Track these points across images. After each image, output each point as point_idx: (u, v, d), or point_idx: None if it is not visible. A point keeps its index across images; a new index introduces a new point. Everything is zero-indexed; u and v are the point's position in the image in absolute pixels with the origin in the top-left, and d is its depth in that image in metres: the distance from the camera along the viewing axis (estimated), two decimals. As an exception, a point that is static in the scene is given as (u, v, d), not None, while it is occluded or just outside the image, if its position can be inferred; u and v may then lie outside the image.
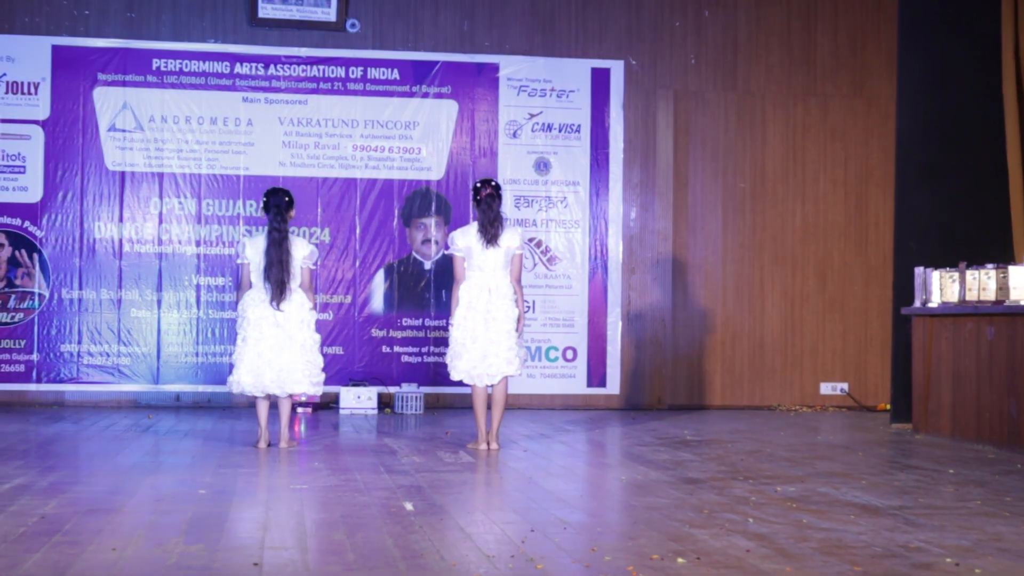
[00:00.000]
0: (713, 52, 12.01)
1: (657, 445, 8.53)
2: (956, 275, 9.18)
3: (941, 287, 9.30)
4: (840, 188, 12.15)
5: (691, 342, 11.88)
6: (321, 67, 11.41)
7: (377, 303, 11.46)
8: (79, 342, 11.04)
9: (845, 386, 12.05)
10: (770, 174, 12.05)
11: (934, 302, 9.36)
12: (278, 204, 8.05)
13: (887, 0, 11.98)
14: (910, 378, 9.81)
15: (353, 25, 11.48)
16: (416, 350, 11.46)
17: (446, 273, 11.27)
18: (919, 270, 9.59)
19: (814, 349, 12.06)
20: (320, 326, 9.82)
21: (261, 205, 8.22)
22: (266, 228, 8.06)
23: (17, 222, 11.00)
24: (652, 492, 6.23)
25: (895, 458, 8.05)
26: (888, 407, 10.93)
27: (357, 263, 11.43)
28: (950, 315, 9.16)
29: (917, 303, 9.58)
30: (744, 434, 9.40)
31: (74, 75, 11.11)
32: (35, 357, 10.98)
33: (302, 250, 8.08)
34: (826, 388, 12.05)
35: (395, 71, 11.51)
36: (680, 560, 4.50)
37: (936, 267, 9.46)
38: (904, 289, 9.96)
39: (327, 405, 11.11)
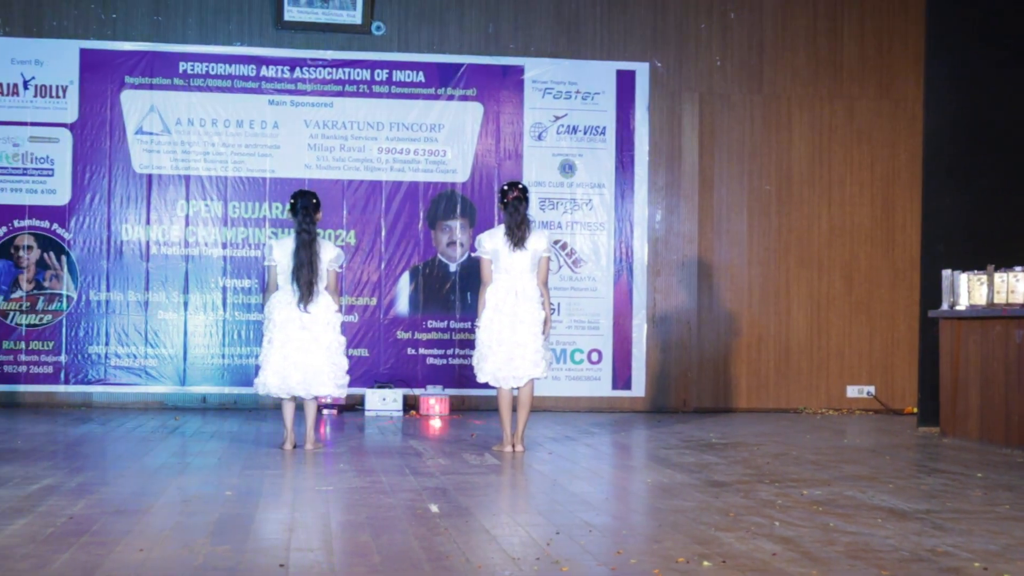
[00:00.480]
0: (739, 54, 11.98)
1: (682, 448, 8.51)
2: (984, 277, 9.12)
3: (969, 290, 9.25)
4: (867, 190, 12.10)
5: (716, 345, 11.85)
6: (347, 70, 11.44)
7: (402, 305, 11.48)
8: (107, 344, 11.10)
9: (872, 389, 12.00)
10: (796, 176, 12.01)
11: (962, 305, 9.31)
12: (306, 206, 8.07)
13: (913, 1, 11.93)
14: (937, 381, 9.76)
15: (379, 28, 11.50)
16: (441, 352, 11.47)
17: (471, 275, 11.28)
18: (947, 272, 9.54)
19: (840, 352, 12.01)
20: (346, 328, 9.84)
21: (288, 207, 8.25)
22: (294, 230, 8.08)
23: (45, 224, 11.07)
24: (677, 495, 6.22)
25: (922, 462, 8.01)
26: (915, 410, 10.87)
27: (382, 265, 11.45)
28: (978, 318, 9.11)
29: (944, 306, 9.53)
30: (770, 437, 9.37)
31: (102, 78, 11.17)
32: (63, 359, 11.05)
33: (329, 252, 8.11)
34: (852, 391, 12.00)
35: (420, 74, 11.53)
36: (706, 563, 4.49)
37: (964, 269, 9.41)
38: (931, 292, 9.90)
39: (352, 407, 11.13)
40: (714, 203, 11.89)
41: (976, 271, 9.26)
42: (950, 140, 10.15)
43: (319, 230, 8.19)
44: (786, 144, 12.01)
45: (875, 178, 12.12)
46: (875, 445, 8.93)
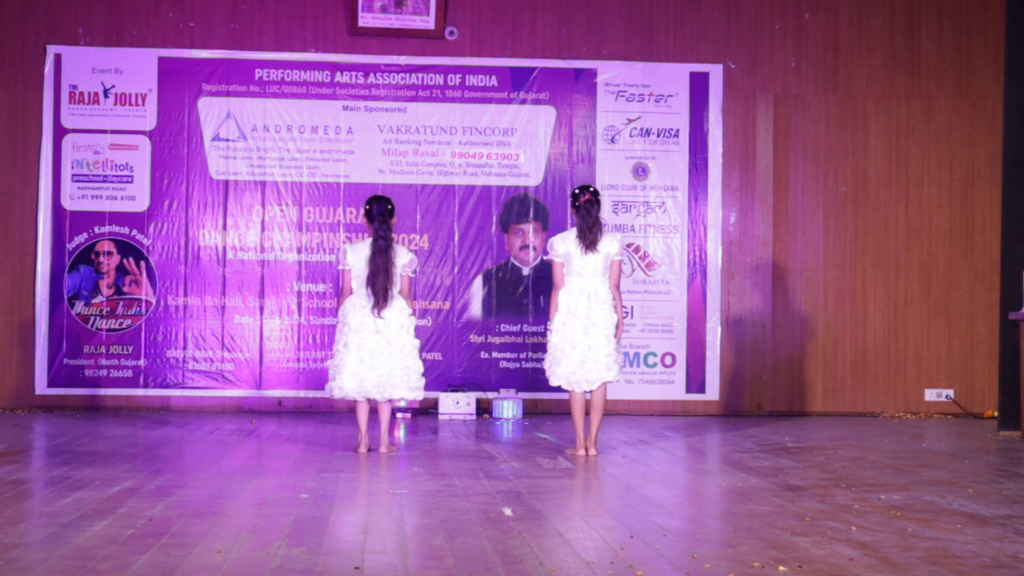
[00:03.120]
0: (814, 54, 11.87)
1: (757, 452, 8.45)
2: (1066, 279, 8.97)
3: (1050, 291, 9.10)
4: (945, 191, 11.93)
5: (791, 347, 11.74)
6: (420, 75, 11.50)
7: (475, 309, 11.51)
8: (184, 348, 11.25)
9: (951, 392, 11.82)
10: (872, 177, 11.87)
11: (1043, 307, 9.16)
12: (382, 212, 8.13)
13: (993, -1, 11.75)
14: (1018, 384, 9.60)
15: (452, 33, 11.55)
16: (514, 356, 11.48)
17: (544, 279, 11.29)
18: (1027, 274, 9.39)
19: (918, 355, 11.84)
20: (419, 332, 9.88)
21: (362, 213, 8.31)
22: (371, 236, 8.13)
23: (125, 230, 11.25)
24: (753, 499, 6.18)
25: (1003, 466, 7.88)
26: (995, 414, 10.70)
27: (456, 269, 11.50)
28: (1060, 320, 8.95)
29: (1025, 308, 9.38)
30: (846, 441, 9.27)
31: (179, 86, 11.33)
32: (142, 363, 11.22)
33: (403, 258, 8.17)
34: (931, 394, 11.83)
35: (493, 78, 11.56)
36: (781, 568, 4.45)
37: (1045, 271, 9.26)
38: (1012, 293, 9.75)
39: (426, 410, 11.18)
40: (789, 205, 11.78)
41: (1058, 272, 9.11)
42: (1031, 139, 9.98)
43: (392, 235, 8.24)
44: (862, 145, 11.87)
45: (954, 178, 11.95)
46: (954, 449, 8.81)
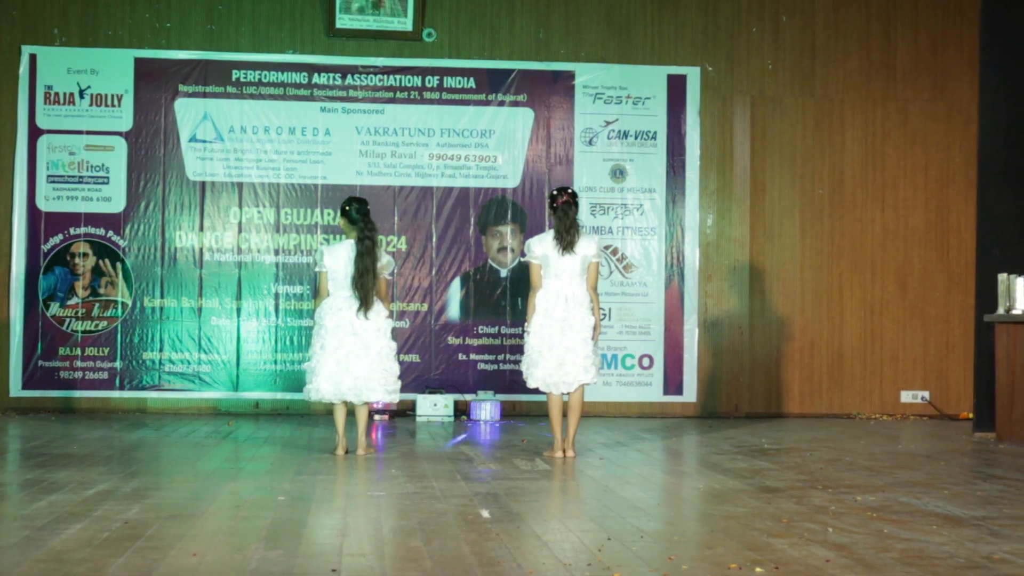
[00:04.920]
0: (791, 57, 11.91)
1: (734, 453, 8.47)
2: (1041, 281, 9.02)
3: (1025, 294, 9.14)
4: (920, 193, 11.99)
5: (768, 349, 11.78)
6: (398, 76, 11.49)
7: (453, 311, 11.50)
8: (161, 350, 11.21)
9: (926, 394, 11.87)
10: (849, 180, 11.91)
11: (1018, 309, 9.20)
12: (365, 212, 8.13)
13: (968, 3, 11.81)
14: (993, 386, 9.64)
15: (430, 35, 11.54)
16: (492, 358, 11.48)
17: (522, 281, 11.29)
18: (1002, 276, 9.43)
19: (894, 356, 11.90)
20: (397, 334, 9.88)
21: (340, 214, 8.29)
22: (354, 236, 8.10)
23: (101, 232, 11.20)
24: (730, 501, 6.19)
25: (978, 468, 7.92)
26: (971, 416, 10.75)
27: (433, 271, 11.49)
28: (1035, 322, 9.00)
29: (1000, 310, 9.42)
30: (823, 443, 9.31)
31: (156, 87, 11.29)
32: (118, 364, 11.17)
33: (380, 260, 8.15)
34: (907, 396, 11.88)
35: (471, 80, 11.55)
36: (758, 569, 4.46)
37: (1020, 273, 9.30)
38: (987, 296, 9.80)
39: (404, 412, 11.16)
40: (766, 207, 11.82)
41: (1033, 275, 9.16)
42: (1005, 142, 10.04)
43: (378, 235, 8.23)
44: (839, 147, 11.92)
45: (929, 181, 12.00)
46: (930, 451, 8.85)
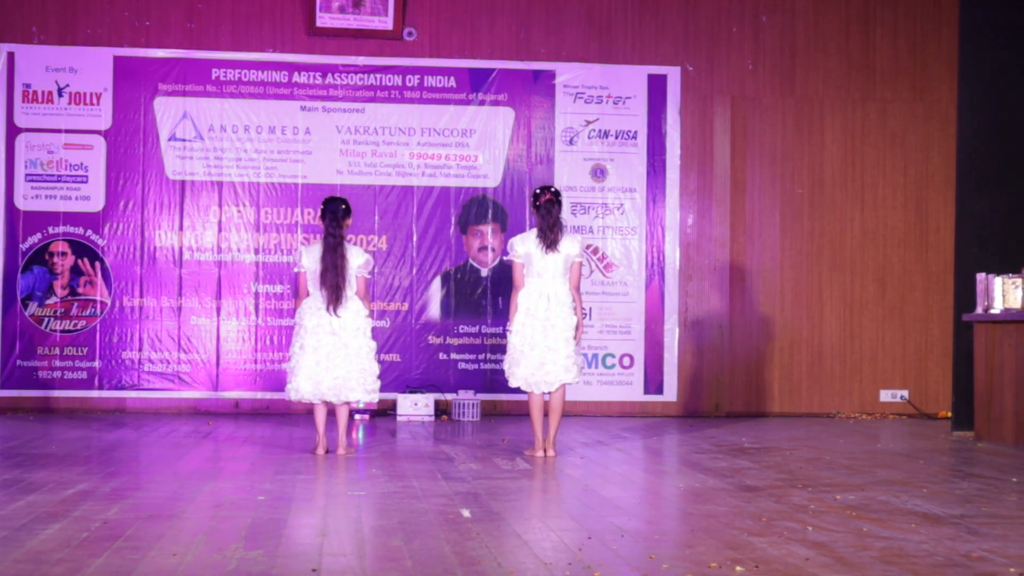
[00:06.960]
0: (771, 57, 11.94)
1: (715, 452, 8.48)
2: (1019, 281, 9.06)
3: (1004, 293, 9.18)
4: (900, 193, 12.03)
5: (749, 349, 11.80)
6: (378, 76, 11.48)
7: (434, 310, 11.50)
8: (140, 349, 11.17)
9: (905, 393, 11.92)
10: (828, 180, 11.95)
11: (996, 308, 9.24)
12: (334, 211, 8.10)
13: (947, 3, 11.86)
14: (972, 385, 9.68)
15: (410, 34, 11.53)
16: (473, 357, 11.48)
17: (503, 280, 11.29)
18: (981, 276, 9.47)
19: (873, 356, 11.94)
20: (377, 333, 9.86)
21: (319, 213, 8.29)
22: (322, 235, 8.12)
23: (80, 231, 11.15)
24: (710, 500, 6.20)
25: (957, 466, 7.95)
26: (949, 415, 10.80)
27: (414, 270, 11.48)
28: (1013, 321, 9.04)
29: (979, 309, 9.47)
30: (803, 442, 9.33)
31: (135, 85, 11.25)
32: (97, 364, 11.12)
33: (357, 258, 8.13)
34: (886, 395, 11.93)
35: (452, 79, 11.55)
36: (738, 568, 4.47)
37: (998, 273, 9.34)
38: (965, 295, 9.84)
39: (384, 412, 11.15)
40: (746, 207, 11.85)
41: (1011, 274, 9.20)
42: (984, 142, 10.08)
43: (350, 235, 8.22)
44: (818, 147, 11.95)
45: (908, 181, 12.05)
46: (909, 449, 8.88)
